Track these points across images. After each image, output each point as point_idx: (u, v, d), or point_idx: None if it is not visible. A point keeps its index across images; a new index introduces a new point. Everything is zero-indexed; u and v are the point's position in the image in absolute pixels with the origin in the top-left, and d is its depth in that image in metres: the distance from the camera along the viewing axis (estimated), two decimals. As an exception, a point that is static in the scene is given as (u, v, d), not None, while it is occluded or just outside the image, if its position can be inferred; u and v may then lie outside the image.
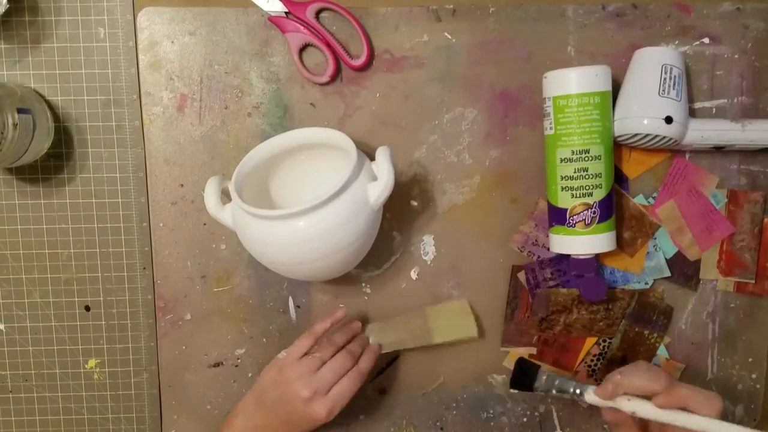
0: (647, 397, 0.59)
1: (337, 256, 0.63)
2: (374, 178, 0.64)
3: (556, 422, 0.77)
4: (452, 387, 0.76)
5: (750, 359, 0.77)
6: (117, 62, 0.71)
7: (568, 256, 0.71)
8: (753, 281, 0.75)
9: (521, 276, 0.75)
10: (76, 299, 0.74)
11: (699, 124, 0.69)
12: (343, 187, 0.61)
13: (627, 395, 0.60)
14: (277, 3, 0.70)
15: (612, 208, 0.69)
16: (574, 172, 0.68)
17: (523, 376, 0.66)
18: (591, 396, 0.62)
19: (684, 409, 0.57)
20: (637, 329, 0.75)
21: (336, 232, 0.62)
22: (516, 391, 0.67)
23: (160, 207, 0.72)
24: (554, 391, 0.64)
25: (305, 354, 0.66)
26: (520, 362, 0.68)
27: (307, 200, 0.61)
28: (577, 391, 0.63)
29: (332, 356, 0.65)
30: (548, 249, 0.73)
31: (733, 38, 0.72)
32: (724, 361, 0.77)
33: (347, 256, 0.64)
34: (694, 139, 0.69)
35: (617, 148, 0.72)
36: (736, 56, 0.73)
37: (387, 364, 0.76)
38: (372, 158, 0.66)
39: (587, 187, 0.68)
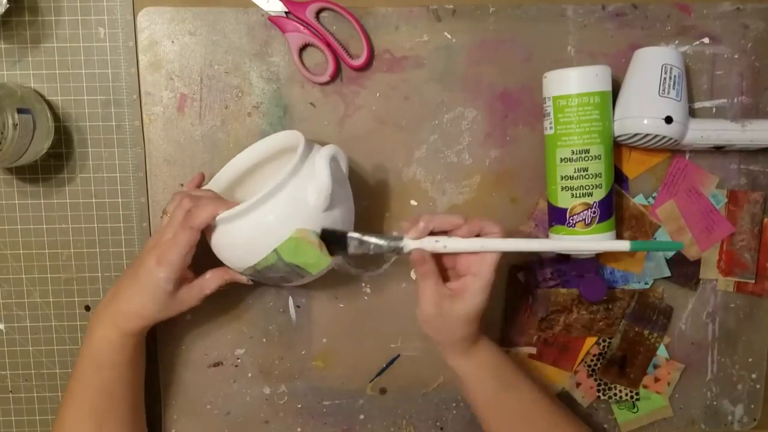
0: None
1: None
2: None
3: (556, 422, 0.77)
4: (452, 387, 0.76)
5: (750, 359, 0.77)
6: (117, 62, 0.71)
7: (568, 256, 0.71)
8: (753, 281, 0.75)
9: (521, 276, 0.75)
10: (76, 299, 0.74)
11: (699, 124, 0.69)
12: (277, 187, 0.60)
13: (434, 236, 0.63)
14: (277, 3, 0.70)
15: (612, 208, 0.69)
16: (574, 171, 0.68)
17: (335, 244, 0.63)
18: (408, 242, 0.62)
19: (478, 235, 0.63)
20: (637, 329, 0.75)
21: (274, 233, 0.60)
22: (338, 258, 0.64)
23: (160, 207, 0.72)
24: (371, 253, 0.63)
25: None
26: (324, 234, 0.62)
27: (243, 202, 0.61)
28: (394, 244, 0.62)
29: None
30: (548, 249, 0.73)
31: (733, 38, 0.72)
32: (724, 361, 0.77)
33: None
34: (694, 139, 0.69)
35: (617, 148, 0.72)
36: (736, 56, 0.73)
37: (387, 364, 0.76)
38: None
39: (587, 187, 0.68)
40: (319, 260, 0.62)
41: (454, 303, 0.63)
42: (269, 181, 0.64)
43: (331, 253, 0.63)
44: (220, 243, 0.64)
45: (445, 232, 0.64)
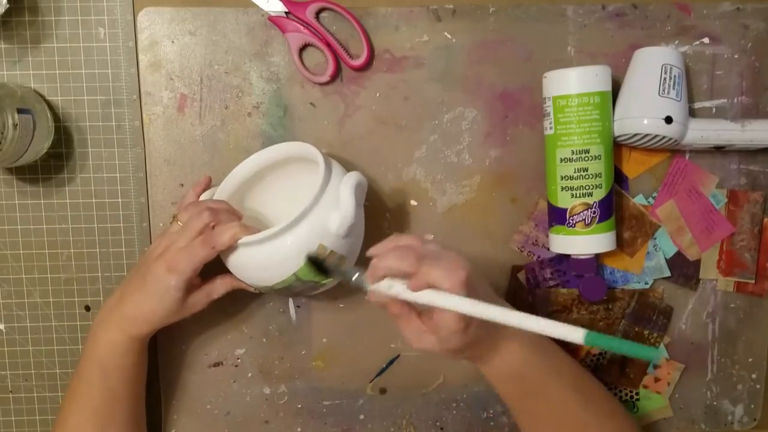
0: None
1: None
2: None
3: (556, 422, 0.77)
4: (452, 387, 0.76)
5: (750, 359, 0.77)
6: (117, 62, 0.71)
7: (568, 256, 0.71)
8: (753, 281, 0.75)
9: (521, 276, 0.75)
10: (76, 299, 0.74)
11: (699, 124, 0.69)
12: (301, 215, 0.60)
13: (389, 279, 0.56)
14: (277, 3, 0.70)
15: (612, 208, 0.69)
16: (574, 172, 0.68)
17: (318, 266, 0.62)
18: (361, 280, 0.58)
19: (432, 286, 0.54)
20: (637, 329, 0.75)
21: (295, 259, 0.61)
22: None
23: (160, 207, 0.72)
24: (333, 280, 0.64)
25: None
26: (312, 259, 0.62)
27: (265, 229, 0.61)
28: (356, 281, 0.59)
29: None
30: (548, 249, 0.73)
31: (733, 38, 0.72)
32: (724, 361, 0.77)
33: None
34: (694, 139, 0.69)
35: (617, 148, 0.72)
36: (736, 56, 0.73)
37: (387, 364, 0.76)
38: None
39: (587, 187, 0.68)
40: (333, 267, 0.63)
41: (432, 335, 0.58)
42: (278, 189, 0.66)
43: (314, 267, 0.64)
44: (237, 263, 0.64)
45: None
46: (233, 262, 0.64)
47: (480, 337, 0.58)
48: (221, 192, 0.69)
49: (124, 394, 0.66)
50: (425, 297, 0.55)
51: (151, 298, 0.63)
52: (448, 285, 0.53)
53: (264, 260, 0.62)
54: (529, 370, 0.62)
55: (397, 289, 0.56)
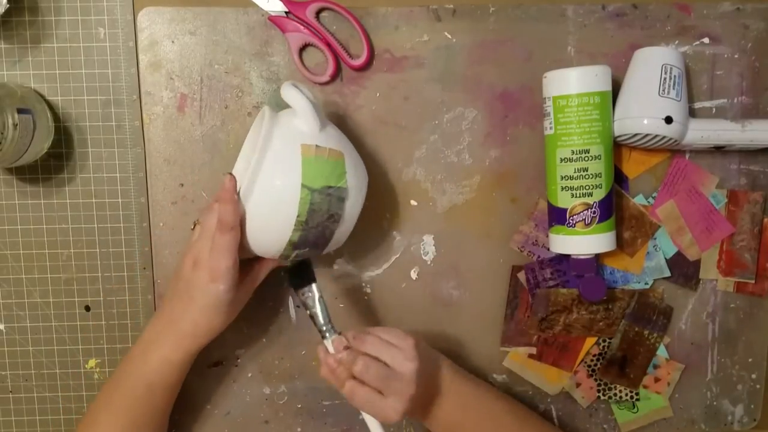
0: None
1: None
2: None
3: (556, 421, 0.77)
4: (452, 387, 0.76)
5: (750, 359, 0.77)
6: (117, 62, 0.71)
7: (568, 256, 0.71)
8: (753, 281, 0.75)
9: (521, 276, 0.75)
10: (76, 299, 0.74)
11: (699, 124, 0.69)
12: (267, 131, 0.60)
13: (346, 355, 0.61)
14: (277, 3, 0.70)
15: (612, 208, 0.69)
16: (574, 172, 0.68)
17: (299, 275, 0.65)
18: (328, 344, 0.63)
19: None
20: (636, 329, 0.75)
21: (291, 171, 0.60)
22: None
23: (160, 207, 0.72)
24: (308, 312, 0.64)
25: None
26: (303, 263, 0.66)
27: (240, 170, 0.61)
28: (323, 330, 0.63)
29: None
30: (548, 249, 0.73)
31: (733, 38, 0.72)
32: (724, 361, 0.77)
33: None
34: (694, 139, 0.69)
35: (617, 148, 0.72)
36: (736, 56, 0.73)
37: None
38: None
39: (587, 187, 0.68)
40: (337, 165, 0.62)
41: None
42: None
43: (293, 283, 0.65)
44: (255, 228, 0.62)
45: None
46: (253, 229, 0.62)
47: (422, 395, 0.63)
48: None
49: (162, 408, 0.68)
50: (362, 412, 0.63)
51: (206, 311, 0.63)
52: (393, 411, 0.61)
53: (271, 199, 0.60)
54: (468, 417, 0.66)
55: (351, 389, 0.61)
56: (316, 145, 0.61)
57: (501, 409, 0.69)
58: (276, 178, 0.60)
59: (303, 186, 0.60)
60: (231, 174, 0.62)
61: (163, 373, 0.65)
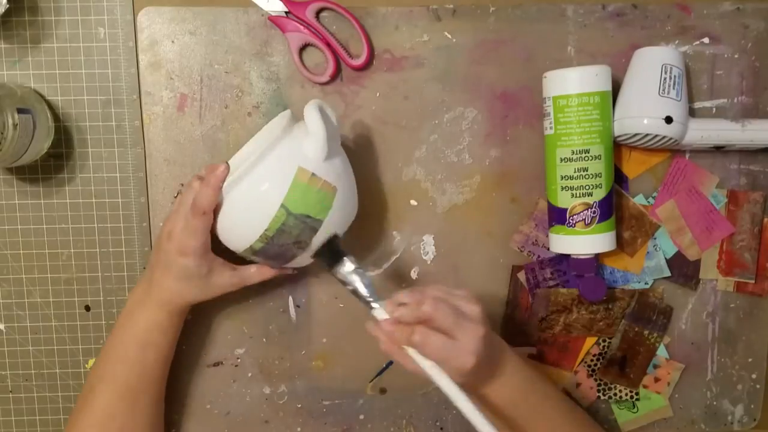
0: None
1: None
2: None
3: (556, 422, 0.77)
4: (452, 387, 0.76)
5: (750, 359, 0.77)
6: (117, 62, 0.71)
7: (568, 256, 0.71)
8: (753, 281, 0.75)
9: (521, 276, 0.75)
10: (76, 299, 0.74)
11: (699, 124, 0.69)
12: (274, 140, 0.60)
13: (406, 327, 0.58)
14: (277, 3, 0.70)
15: (612, 208, 0.69)
16: (574, 171, 0.68)
17: (330, 257, 0.63)
18: (380, 311, 0.59)
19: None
20: (636, 329, 0.75)
21: (278, 187, 0.60)
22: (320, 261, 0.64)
23: (160, 207, 0.72)
24: (348, 287, 0.62)
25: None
26: (332, 242, 0.63)
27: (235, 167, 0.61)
28: (369, 300, 0.60)
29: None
30: (548, 249, 0.73)
31: (733, 38, 0.72)
32: (724, 361, 0.77)
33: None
34: (694, 139, 0.69)
35: (617, 147, 0.72)
36: (736, 56, 0.73)
37: (387, 364, 0.76)
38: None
39: (587, 187, 0.68)
40: (324, 199, 0.61)
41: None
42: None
43: (325, 263, 0.63)
44: (226, 220, 0.62)
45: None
46: (223, 221, 0.62)
47: (484, 361, 0.59)
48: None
49: (157, 372, 0.68)
50: (428, 368, 0.57)
51: (178, 281, 0.64)
52: (459, 362, 0.57)
53: (249, 201, 0.60)
54: (524, 397, 0.63)
55: (412, 350, 0.57)
56: (313, 173, 0.61)
57: (558, 399, 0.67)
58: (262, 185, 0.60)
59: (282, 206, 0.60)
60: (227, 164, 0.62)
61: (152, 332, 0.66)
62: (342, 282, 0.62)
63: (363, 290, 0.61)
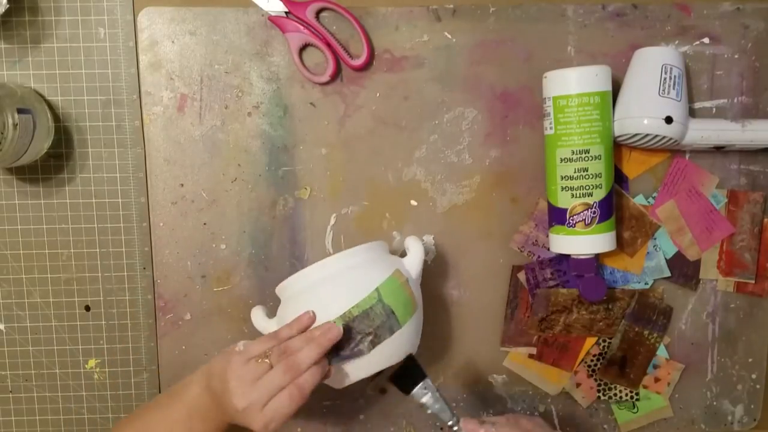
0: None
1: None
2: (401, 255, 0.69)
3: (556, 422, 0.77)
4: (452, 387, 0.76)
5: (750, 359, 0.77)
6: (117, 62, 0.71)
7: (568, 256, 0.71)
8: (753, 281, 0.75)
9: (521, 276, 0.75)
10: (76, 299, 0.74)
11: (699, 124, 0.69)
12: (369, 249, 0.66)
13: None
14: (277, 3, 0.70)
15: (612, 208, 0.69)
16: (574, 172, 0.68)
17: (406, 377, 0.63)
18: (459, 428, 0.61)
19: None
20: (636, 329, 0.75)
21: (377, 276, 0.64)
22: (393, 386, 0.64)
23: (160, 207, 0.72)
24: (428, 411, 0.62)
25: (260, 356, 0.61)
26: (408, 361, 0.64)
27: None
28: (450, 420, 0.62)
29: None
30: (548, 249, 0.73)
31: (733, 38, 0.72)
32: (724, 361, 0.77)
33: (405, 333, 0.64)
34: (694, 139, 0.69)
35: (617, 148, 0.72)
36: (736, 56, 0.73)
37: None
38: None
39: (587, 187, 0.68)
40: (409, 306, 0.64)
41: None
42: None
43: (398, 381, 0.63)
44: (323, 289, 0.64)
45: None
46: (311, 295, 0.64)
47: None
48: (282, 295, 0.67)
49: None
50: None
51: (240, 421, 0.60)
52: None
53: (346, 278, 0.63)
54: None
55: None
56: (407, 279, 0.66)
57: None
58: (361, 268, 0.64)
59: (377, 289, 0.62)
60: (341, 327, 0.61)
61: (201, 421, 0.62)
62: (421, 405, 0.63)
63: (446, 414, 0.62)
